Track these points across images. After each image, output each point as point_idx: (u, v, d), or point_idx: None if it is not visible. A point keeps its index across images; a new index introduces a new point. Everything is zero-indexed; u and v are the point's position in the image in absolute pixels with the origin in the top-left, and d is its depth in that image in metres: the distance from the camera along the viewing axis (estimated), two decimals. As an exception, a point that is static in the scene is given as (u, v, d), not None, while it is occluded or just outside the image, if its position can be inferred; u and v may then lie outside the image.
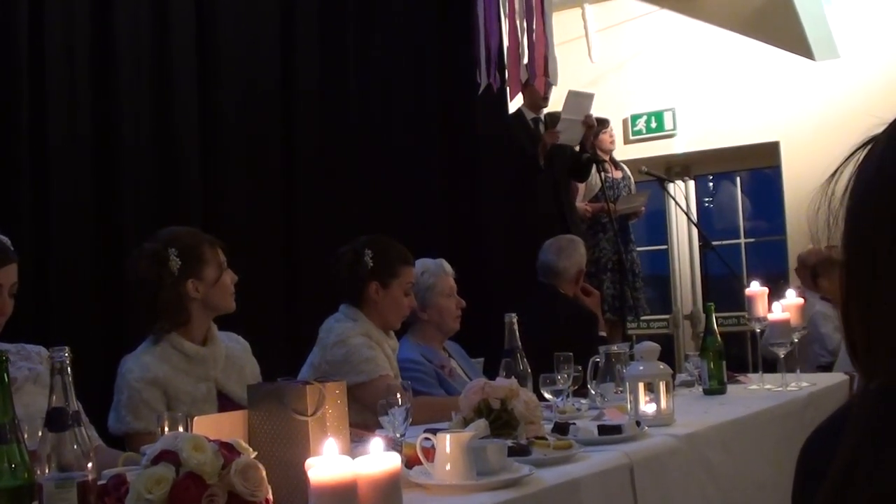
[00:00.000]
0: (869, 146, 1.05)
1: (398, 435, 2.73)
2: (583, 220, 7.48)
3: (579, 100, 7.10)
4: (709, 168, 10.01)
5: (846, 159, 1.05)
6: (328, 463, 1.88)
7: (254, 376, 3.61)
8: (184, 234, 3.55)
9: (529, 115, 7.16)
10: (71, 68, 4.65)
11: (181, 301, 3.45)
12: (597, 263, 7.31)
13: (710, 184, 10.20)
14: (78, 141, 4.65)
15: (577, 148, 7.24)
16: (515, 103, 7.15)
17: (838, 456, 0.95)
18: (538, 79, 6.53)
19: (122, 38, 4.88)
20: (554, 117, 7.15)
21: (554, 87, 7.08)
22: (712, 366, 4.34)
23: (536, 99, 7.07)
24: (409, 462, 2.50)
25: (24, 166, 4.44)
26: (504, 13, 6.21)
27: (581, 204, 7.66)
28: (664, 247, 10.00)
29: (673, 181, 9.25)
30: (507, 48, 6.13)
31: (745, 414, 3.75)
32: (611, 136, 8.07)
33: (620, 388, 3.72)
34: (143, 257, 3.48)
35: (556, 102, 7.22)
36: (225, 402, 3.43)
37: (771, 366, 4.71)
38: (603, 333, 6.07)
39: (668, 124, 9.62)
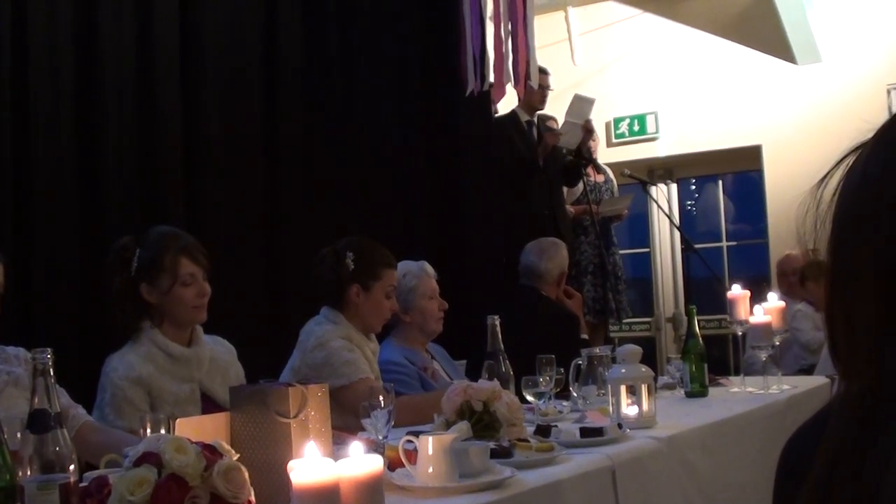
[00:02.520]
0: (858, 152, 1.05)
1: (381, 437, 2.73)
2: (572, 222, 7.51)
3: (582, 104, 7.16)
4: (691, 171, 10.03)
5: (836, 164, 1.05)
6: (310, 465, 1.88)
7: (238, 380, 3.61)
8: (155, 236, 3.54)
9: (524, 117, 7.18)
10: (53, 66, 4.64)
11: (138, 302, 3.47)
12: (577, 266, 7.31)
13: (693, 187, 10.23)
14: (60, 139, 4.64)
15: (573, 150, 7.29)
16: (506, 105, 7.16)
17: (819, 458, 0.95)
18: (520, 83, 6.54)
19: (104, 37, 4.87)
20: (546, 120, 7.19)
21: (551, 91, 7.13)
22: (694, 368, 4.35)
23: (533, 102, 7.10)
24: (392, 464, 2.50)
25: (5, 164, 4.42)
26: (488, 16, 6.21)
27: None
28: (646, 250, 10.02)
29: (655, 184, 9.26)
30: (494, 52, 6.14)
31: (727, 416, 3.77)
32: (586, 145, 8.02)
33: (602, 391, 3.73)
34: (113, 251, 3.53)
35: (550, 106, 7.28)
36: (208, 404, 3.43)
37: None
38: (584, 336, 6.07)
39: (650, 127, 9.64)
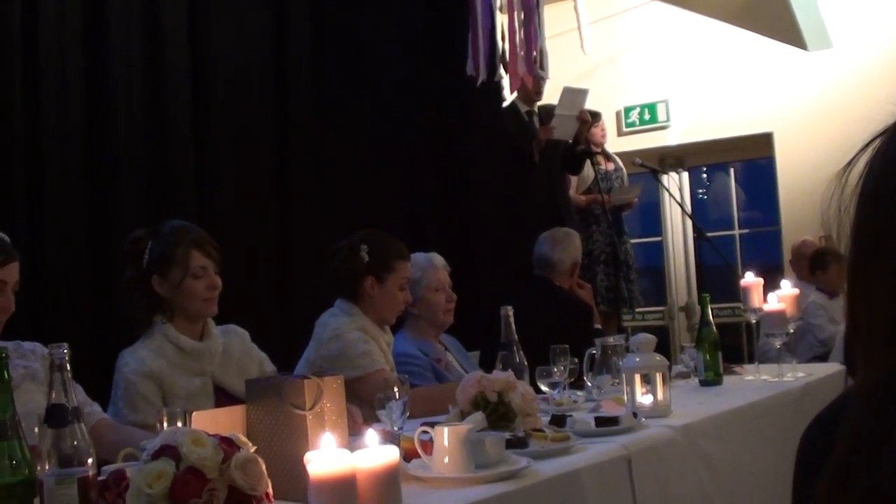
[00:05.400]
0: (884, 135, 1.05)
1: (396, 428, 2.73)
2: (577, 212, 7.49)
3: (574, 95, 7.10)
4: (702, 159, 10.01)
5: (862, 148, 1.05)
6: (327, 457, 1.89)
7: (259, 360, 3.65)
8: (167, 229, 3.54)
9: (523, 108, 7.16)
10: (63, 64, 4.65)
11: (149, 295, 3.48)
12: (590, 255, 7.31)
13: (704, 175, 10.21)
14: (71, 136, 4.66)
15: (571, 141, 7.24)
16: (510, 96, 7.16)
17: (837, 446, 0.95)
18: (531, 72, 6.53)
19: (113, 32, 4.88)
20: (548, 110, 7.15)
21: (547, 80, 7.08)
22: (708, 357, 4.34)
23: (529, 92, 7.07)
24: (408, 455, 2.50)
25: (17, 162, 4.44)
26: (500, 6, 6.20)
27: (574, 196, 7.67)
28: (658, 238, 10.00)
29: (667, 173, 9.25)
30: (508, 42, 6.13)
31: (742, 404, 3.76)
32: (602, 129, 8.08)
33: (617, 380, 3.73)
34: (128, 242, 3.54)
35: (549, 95, 7.23)
36: (222, 397, 3.43)
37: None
38: (598, 326, 6.07)
39: (661, 116, 9.62)
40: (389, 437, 2.58)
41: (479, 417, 2.69)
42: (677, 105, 9.54)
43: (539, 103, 7.25)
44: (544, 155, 6.98)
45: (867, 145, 1.04)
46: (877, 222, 1.00)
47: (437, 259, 4.57)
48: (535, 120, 7.15)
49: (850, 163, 1.04)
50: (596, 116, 7.84)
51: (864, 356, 1.01)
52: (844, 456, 0.94)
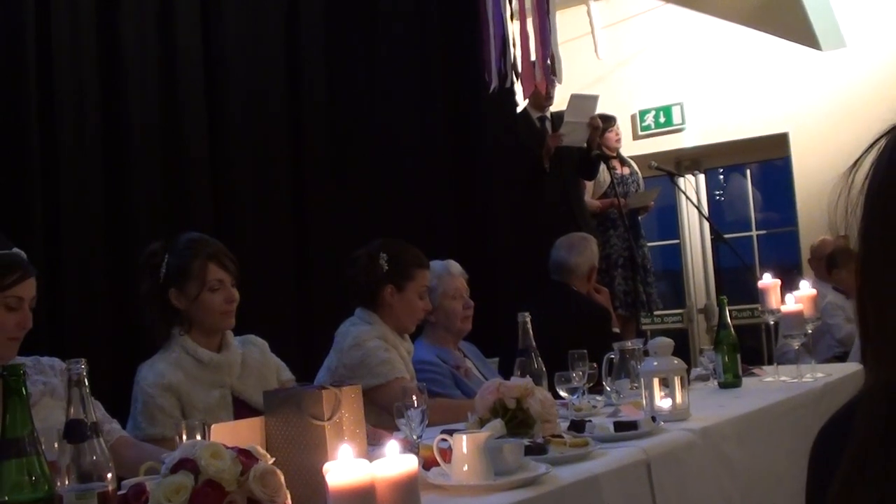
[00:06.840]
0: (889, 135, 1.05)
1: (415, 437, 2.73)
2: (593, 216, 7.48)
3: (583, 102, 7.10)
4: (718, 161, 10.00)
5: (867, 149, 1.05)
6: (346, 467, 1.89)
7: (276, 368, 3.66)
8: (184, 242, 3.54)
9: (535, 115, 7.16)
10: (78, 77, 4.67)
11: (167, 308, 3.48)
12: (607, 259, 7.31)
13: (721, 177, 10.20)
14: (87, 151, 4.67)
15: (585, 146, 7.24)
16: (522, 103, 7.16)
17: (848, 449, 0.95)
18: (546, 78, 6.52)
19: (128, 45, 4.89)
20: (562, 116, 7.15)
21: (558, 85, 7.08)
22: (727, 359, 4.34)
23: (539, 98, 7.07)
24: (427, 463, 2.50)
25: (33, 177, 4.45)
26: (511, 13, 6.20)
27: (590, 200, 7.66)
28: (676, 241, 10.00)
29: (683, 175, 9.23)
30: (520, 48, 6.13)
31: (761, 406, 3.75)
32: (616, 133, 8.08)
33: (636, 384, 3.73)
34: (145, 255, 3.55)
35: (562, 101, 7.23)
36: (242, 408, 3.43)
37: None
38: (616, 330, 6.05)
39: (676, 119, 9.62)
40: (409, 446, 2.58)
41: (497, 425, 2.70)
42: (692, 107, 9.53)
43: (552, 110, 7.24)
44: (558, 161, 6.98)
45: (872, 145, 1.04)
46: (884, 221, 1.00)
47: (454, 266, 4.57)
48: (549, 126, 7.14)
49: (855, 163, 1.04)
50: (610, 120, 7.84)
51: (874, 358, 1.01)
52: (857, 457, 0.94)
